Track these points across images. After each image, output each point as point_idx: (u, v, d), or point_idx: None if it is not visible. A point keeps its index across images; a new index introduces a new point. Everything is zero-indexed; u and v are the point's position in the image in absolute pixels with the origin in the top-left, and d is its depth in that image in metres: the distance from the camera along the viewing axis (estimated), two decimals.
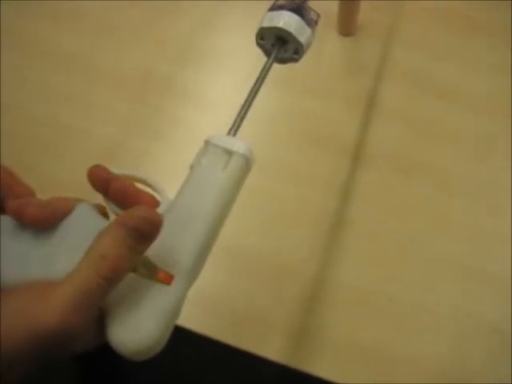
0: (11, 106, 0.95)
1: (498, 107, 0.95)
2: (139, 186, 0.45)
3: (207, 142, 0.46)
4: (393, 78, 0.98)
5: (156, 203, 0.43)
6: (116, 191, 0.42)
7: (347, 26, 1.00)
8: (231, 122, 0.49)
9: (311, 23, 0.57)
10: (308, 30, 0.56)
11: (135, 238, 0.37)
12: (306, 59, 1.00)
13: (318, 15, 0.59)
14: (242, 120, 0.49)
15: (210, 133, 0.47)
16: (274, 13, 0.56)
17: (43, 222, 0.40)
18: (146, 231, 0.37)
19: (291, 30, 0.54)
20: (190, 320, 0.71)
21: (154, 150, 0.92)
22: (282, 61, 0.58)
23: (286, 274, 0.81)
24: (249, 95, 0.51)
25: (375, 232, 0.85)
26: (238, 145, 0.45)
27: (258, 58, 0.58)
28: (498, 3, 1.05)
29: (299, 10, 0.56)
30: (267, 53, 0.57)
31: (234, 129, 0.48)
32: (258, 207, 0.86)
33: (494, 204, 0.87)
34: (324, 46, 1.01)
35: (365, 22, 1.03)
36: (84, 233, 0.39)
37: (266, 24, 0.55)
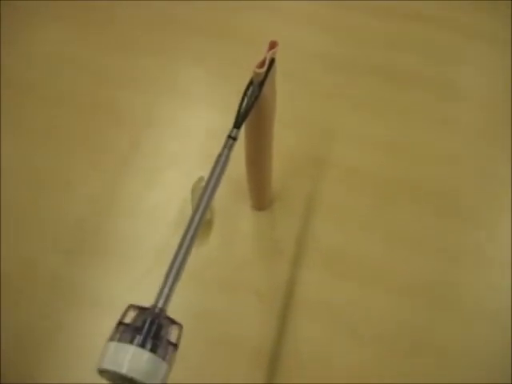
0: None
1: (430, 294, 0.85)
2: None
3: None
4: (313, 261, 0.87)
5: None
6: None
7: (260, 200, 0.89)
8: None
9: (168, 352, 0.45)
10: (163, 367, 0.44)
11: None
12: (214, 243, 0.89)
13: (180, 329, 0.47)
14: None
15: None
16: (117, 346, 0.43)
17: None
18: None
19: (139, 377, 0.42)
20: None
21: None
22: None
23: None
24: None
25: None
26: None
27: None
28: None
29: (153, 337, 0.44)
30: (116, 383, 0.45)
31: None
32: None
33: None
34: (234, 227, 0.90)
35: (281, 190, 0.92)
36: None
37: (106, 365, 0.43)
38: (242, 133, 0.69)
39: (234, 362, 0.80)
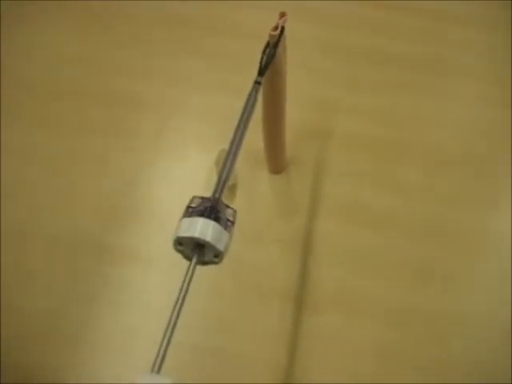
0: None
1: (431, 231, 0.98)
2: None
3: None
4: (327, 213, 0.99)
5: None
6: None
7: (276, 164, 1.03)
8: None
9: (228, 225, 0.57)
10: (226, 235, 0.56)
11: None
12: (238, 205, 1.01)
13: (235, 212, 0.59)
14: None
15: None
16: (190, 220, 0.56)
17: None
18: None
19: (208, 239, 0.54)
20: None
21: None
22: (204, 263, 0.57)
23: None
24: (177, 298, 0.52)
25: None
26: None
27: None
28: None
29: (215, 213, 0.56)
30: (187, 257, 0.57)
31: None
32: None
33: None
34: (255, 189, 1.02)
35: (294, 156, 1.06)
36: None
37: (182, 233, 0.55)
38: (259, 106, 0.82)
39: (265, 304, 0.91)
